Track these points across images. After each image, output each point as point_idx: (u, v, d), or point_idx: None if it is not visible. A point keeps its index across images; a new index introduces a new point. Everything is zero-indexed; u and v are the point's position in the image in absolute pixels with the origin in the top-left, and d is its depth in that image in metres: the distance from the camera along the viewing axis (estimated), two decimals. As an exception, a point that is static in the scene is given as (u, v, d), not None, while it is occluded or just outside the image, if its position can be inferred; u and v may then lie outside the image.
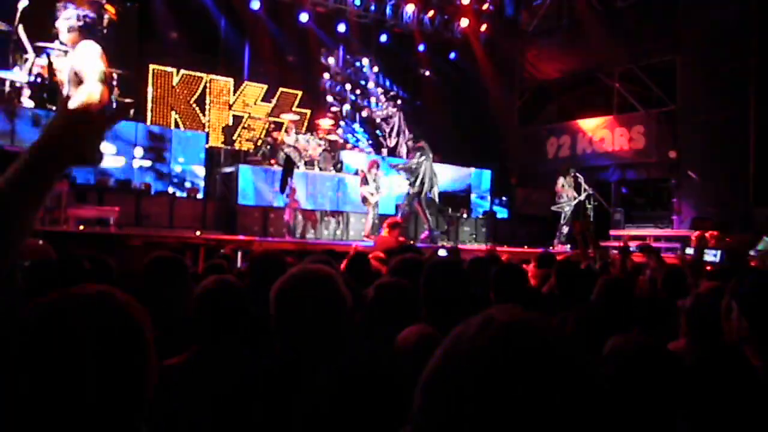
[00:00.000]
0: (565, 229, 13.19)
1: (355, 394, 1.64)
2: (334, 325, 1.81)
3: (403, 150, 17.66)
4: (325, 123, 13.99)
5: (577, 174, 13.20)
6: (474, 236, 14.98)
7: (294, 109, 15.46)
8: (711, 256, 7.19)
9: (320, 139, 13.23)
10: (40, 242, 3.72)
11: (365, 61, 17.00)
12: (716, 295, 3.28)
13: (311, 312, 1.78)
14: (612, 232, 13.96)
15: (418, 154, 11.57)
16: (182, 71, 14.52)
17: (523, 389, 0.67)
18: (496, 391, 0.67)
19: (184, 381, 2.12)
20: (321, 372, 1.67)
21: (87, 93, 4.01)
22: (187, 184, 12.60)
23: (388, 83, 17.73)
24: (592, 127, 15.78)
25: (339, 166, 13.71)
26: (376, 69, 17.13)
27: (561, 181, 13.18)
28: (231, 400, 1.73)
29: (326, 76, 16.42)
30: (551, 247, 12.48)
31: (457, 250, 6.34)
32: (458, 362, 0.70)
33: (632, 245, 8.83)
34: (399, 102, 17.42)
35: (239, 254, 7.97)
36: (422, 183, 11.39)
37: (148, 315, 1.07)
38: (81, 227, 8.84)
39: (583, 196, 13.18)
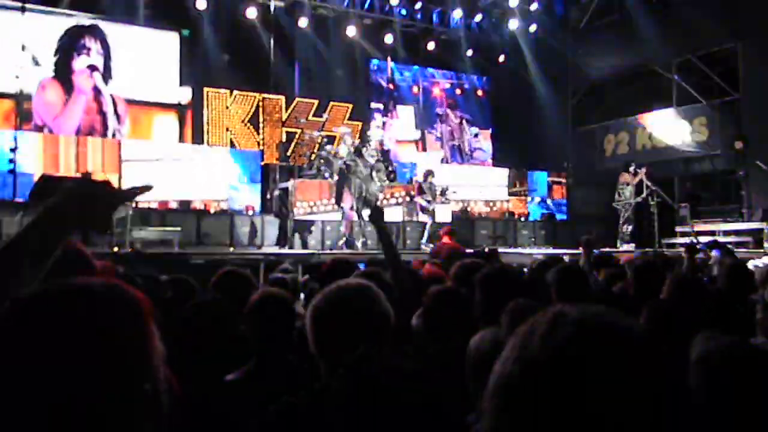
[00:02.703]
0: (624, 228, 12.84)
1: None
2: (378, 342, 1.71)
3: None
4: (377, 134, 14.04)
5: (638, 170, 12.82)
6: (533, 239, 14.74)
7: (345, 121, 15.58)
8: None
9: (374, 150, 13.27)
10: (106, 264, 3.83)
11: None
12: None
13: (352, 330, 1.68)
14: (678, 229, 13.48)
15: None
16: (235, 92, 14.84)
17: (605, 385, 0.62)
18: (577, 389, 0.62)
19: (238, 397, 2.12)
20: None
21: None
22: (245, 202, 12.85)
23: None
24: (652, 121, 15.32)
25: (393, 176, 13.73)
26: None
27: (624, 178, 12.87)
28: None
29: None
30: (615, 247, 12.16)
31: (496, 252, 6.25)
32: (532, 361, 0.65)
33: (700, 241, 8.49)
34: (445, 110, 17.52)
35: (300, 268, 8.03)
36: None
37: (155, 313, 0.96)
38: (145, 249, 9.11)
39: (645, 194, 12.79)
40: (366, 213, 11.20)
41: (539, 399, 0.63)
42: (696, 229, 12.90)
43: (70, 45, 13.18)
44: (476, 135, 18.04)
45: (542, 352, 0.65)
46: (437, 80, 17.71)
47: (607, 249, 10.84)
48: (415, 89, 17.25)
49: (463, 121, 17.83)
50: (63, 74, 13.05)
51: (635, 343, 0.67)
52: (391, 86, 16.72)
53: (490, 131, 18.30)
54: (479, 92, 18.19)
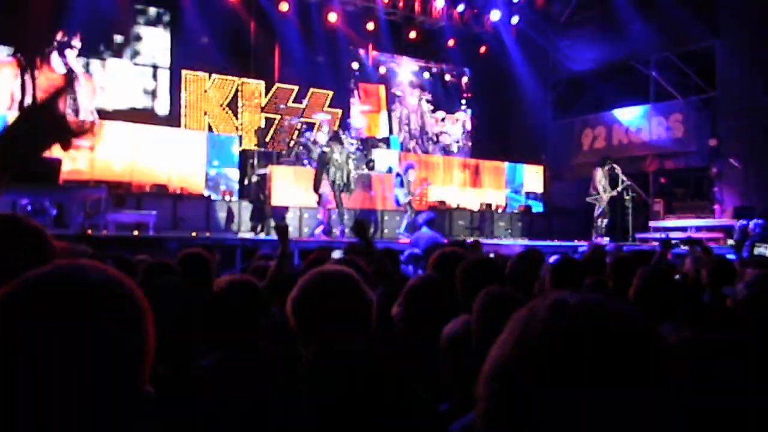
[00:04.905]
0: (600, 222, 12.97)
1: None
2: (361, 327, 1.73)
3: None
4: (357, 122, 14.01)
5: (614, 165, 12.95)
6: (509, 231, 14.85)
7: (325, 108, 15.51)
8: (762, 248, 6.91)
9: (353, 138, 13.25)
10: (81, 248, 3.79)
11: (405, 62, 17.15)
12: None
13: (335, 316, 1.69)
14: (652, 224, 13.67)
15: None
16: (214, 76, 14.67)
17: (610, 371, 0.62)
18: (580, 372, 0.62)
19: (213, 383, 2.12)
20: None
21: None
22: (222, 187, 12.75)
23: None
24: (629, 116, 15.48)
25: (371, 164, 13.72)
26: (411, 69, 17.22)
27: (599, 173, 12.96)
28: (255, 405, 1.68)
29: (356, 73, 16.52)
30: (589, 240, 12.29)
31: (478, 244, 6.30)
32: (535, 345, 0.65)
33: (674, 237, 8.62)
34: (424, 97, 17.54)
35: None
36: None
37: (142, 295, 0.92)
38: (120, 232, 9.01)
39: (620, 188, 12.93)
40: (345, 197, 11.20)
41: (541, 382, 0.63)
42: (666, 224, 13.13)
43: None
44: (443, 119, 18.04)
45: (545, 335, 0.65)
46: (406, 62, 17.56)
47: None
48: (382, 69, 17.15)
49: (422, 102, 17.76)
50: (29, 53, 12.62)
51: (637, 328, 0.67)
52: (355, 65, 16.59)
53: (456, 115, 18.28)
54: (447, 76, 18.15)
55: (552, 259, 3.66)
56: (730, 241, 10.85)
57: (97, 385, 0.83)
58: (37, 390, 0.81)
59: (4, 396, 0.81)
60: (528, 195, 16.62)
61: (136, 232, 9.28)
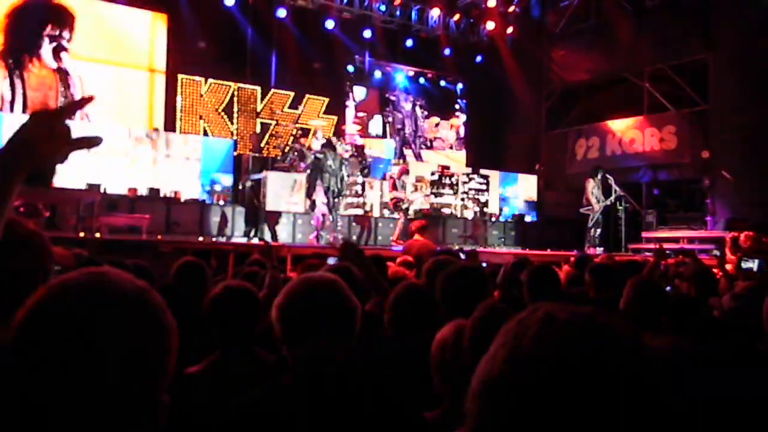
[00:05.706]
0: (593, 232, 12.99)
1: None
2: (345, 333, 1.73)
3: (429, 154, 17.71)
4: (352, 129, 14.03)
5: (607, 175, 13.00)
6: (503, 240, 14.87)
7: (321, 115, 15.53)
8: (750, 263, 6.90)
9: (347, 144, 13.27)
10: (75, 251, 3.80)
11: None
12: (756, 294, 3.19)
13: (318, 323, 1.68)
14: (644, 234, 13.72)
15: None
16: (210, 80, 14.67)
17: (599, 388, 0.63)
18: (570, 388, 0.63)
19: (203, 390, 2.12)
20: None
21: None
22: (216, 191, 12.74)
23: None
24: (622, 128, 15.56)
25: (366, 171, 13.74)
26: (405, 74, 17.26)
27: (591, 183, 12.99)
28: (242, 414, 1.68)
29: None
30: (582, 250, 12.32)
31: (475, 253, 6.35)
32: (525, 361, 0.65)
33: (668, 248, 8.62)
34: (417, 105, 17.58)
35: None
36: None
37: (165, 303, 0.95)
38: (113, 235, 8.98)
39: (612, 198, 12.97)
40: (339, 203, 11.20)
41: (531, 398, 0.63)
42: (658, 236, 13.17)
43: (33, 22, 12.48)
44: (437, 124, 18.10)
45: (535, 352, 0.65)
46: (400, 67, 17.54)
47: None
48: (377, 73, 17.16)
49: (417, 107, 17.80)
50: (18, 53, 12.26)
51: (625, 344, 0.67)
52: (350, 68, 16.60)
53: (450, 121, 18.32)
54: (442, 82, 18.20)
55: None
56: (715, 252, 10.92)
57: (123, 390, 0.85)
58: (65, 392, 0.82)
59: (37, 395, 0.82)
60: (521, 204, 16.66)
61: (129, 235, 9.26)
